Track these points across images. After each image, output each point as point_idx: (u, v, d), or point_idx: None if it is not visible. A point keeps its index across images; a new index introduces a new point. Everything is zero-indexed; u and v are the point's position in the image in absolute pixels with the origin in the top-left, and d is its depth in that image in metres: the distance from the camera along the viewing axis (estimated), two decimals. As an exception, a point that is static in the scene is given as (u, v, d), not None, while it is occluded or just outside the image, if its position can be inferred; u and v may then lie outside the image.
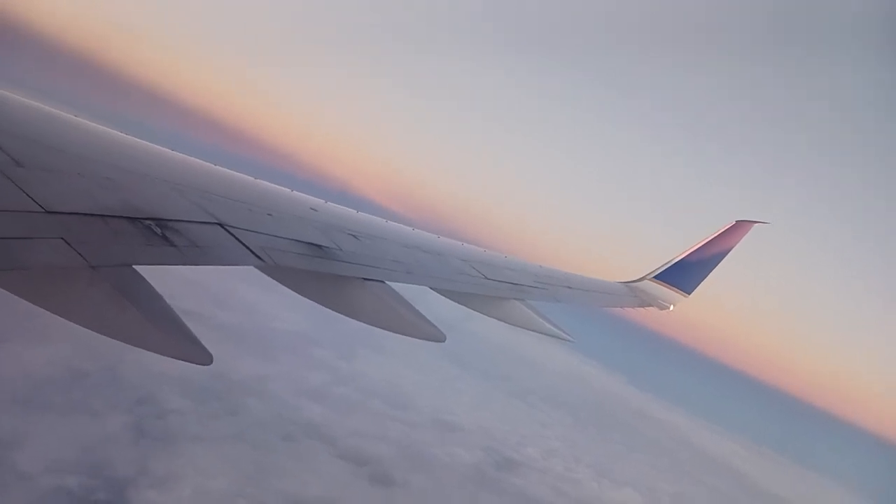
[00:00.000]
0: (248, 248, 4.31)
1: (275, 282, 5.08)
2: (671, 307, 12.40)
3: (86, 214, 3.36)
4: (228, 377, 41.66)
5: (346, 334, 55.26)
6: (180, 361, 3.47)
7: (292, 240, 4.92)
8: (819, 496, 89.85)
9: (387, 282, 5.49)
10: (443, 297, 6.81)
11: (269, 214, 5.08)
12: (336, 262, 5.11)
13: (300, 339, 53.43)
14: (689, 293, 12.56)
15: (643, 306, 11.80)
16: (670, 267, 12.59)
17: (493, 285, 7.28)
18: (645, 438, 76.98)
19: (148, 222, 3.73)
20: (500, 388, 68.49)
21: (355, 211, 6.72)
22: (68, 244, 3.04)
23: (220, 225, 4.31)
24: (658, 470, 66.04)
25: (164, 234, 3.76)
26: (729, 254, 12.30)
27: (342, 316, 5.29)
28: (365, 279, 5.27)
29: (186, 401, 37.79)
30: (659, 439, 79.63)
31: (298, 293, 5.09)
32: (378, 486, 39.33)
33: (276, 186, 5.98)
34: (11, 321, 33.86)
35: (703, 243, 12.36)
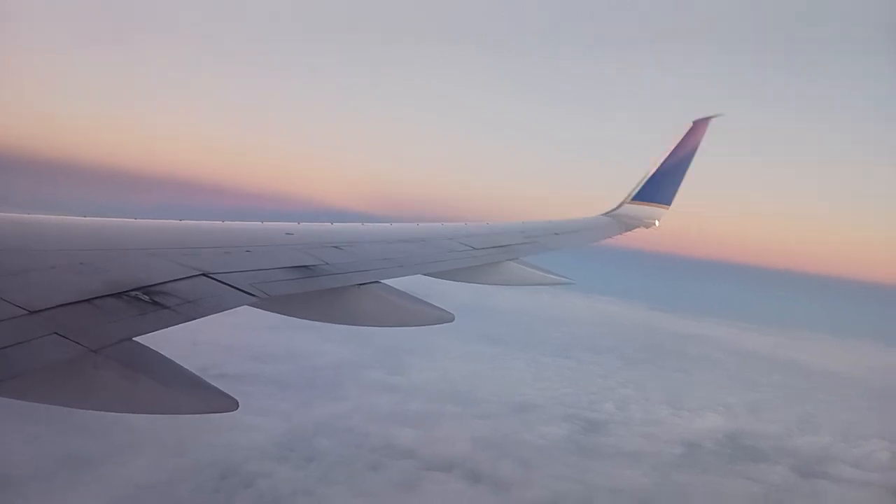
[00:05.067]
0: (238, 288, 4.43)
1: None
2: (657, 223, 12.69)
3: (72, 303, 3.43)
4: (291, 427, 41.36)
5: (385, 348, 55.27)
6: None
7: (278, 268, 5.04)
8: (876, 359, 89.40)
9: (381, 280, 5.64)
10: (443, 282, 6.95)
11: (247, 251, 5.19)
12: (327, 277, 5.24)
13: (343, 366, 53.17)
14: (669, 204, 12.83)
15: (630, 230, 12.07)
16: (644, 185, 12.80)
17: (483, 254, 7.42)
18: (694, 357, 76.37)
19: (134, 293, 3.82)
20: (544, 353, 68.03)
21: (330, 224, 6.85)
22: (63, 337, 3.10)
23: (205, 275, 4.43)
24: (722, 385, 65.76)
25: (153, 300, 3.86)
26: (695, 154, 12.51)
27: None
28: (360, 284, 5.42)
29: (264, 462, 37.01)
30: (707, 354, 78.97)
31: (301, 317, 5.22)
32: (494, 486, 38.45)
33: (246, 223, 6.11)
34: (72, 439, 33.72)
35: (668, 153, 12.53)
